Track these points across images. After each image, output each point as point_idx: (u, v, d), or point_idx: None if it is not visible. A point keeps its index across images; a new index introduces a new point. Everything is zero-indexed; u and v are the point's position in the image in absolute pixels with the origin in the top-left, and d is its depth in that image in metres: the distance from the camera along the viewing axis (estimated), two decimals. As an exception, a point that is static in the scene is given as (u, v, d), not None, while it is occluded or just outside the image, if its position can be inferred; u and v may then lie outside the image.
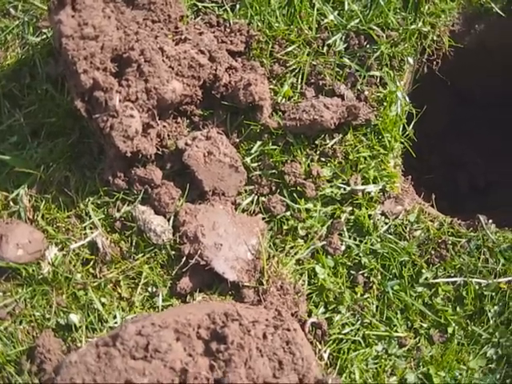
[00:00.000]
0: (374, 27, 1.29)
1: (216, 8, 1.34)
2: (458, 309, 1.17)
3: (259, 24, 1.30)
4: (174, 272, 1.17)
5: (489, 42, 1.39)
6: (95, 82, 1.08)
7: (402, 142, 1.27)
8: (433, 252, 1.20)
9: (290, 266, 1.18)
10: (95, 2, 1.09)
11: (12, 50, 1.37)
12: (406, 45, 1.30)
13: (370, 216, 1.21)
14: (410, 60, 1.31)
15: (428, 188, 1.40)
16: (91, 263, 1.20)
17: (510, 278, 1.17)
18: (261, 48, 1.29)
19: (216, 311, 0.98)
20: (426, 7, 1.32)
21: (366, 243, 1.19)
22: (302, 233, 1.20)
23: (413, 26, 1.30)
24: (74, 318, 1.17)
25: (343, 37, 1.30)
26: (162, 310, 1.16)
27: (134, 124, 1.10)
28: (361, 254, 1.19)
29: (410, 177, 1.32)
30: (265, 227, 1.19)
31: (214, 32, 1.29)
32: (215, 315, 0.97)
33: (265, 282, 1.14)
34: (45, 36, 1.35)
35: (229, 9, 1.33)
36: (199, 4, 1.33)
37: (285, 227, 1.20)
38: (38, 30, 1.36)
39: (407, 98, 1.29)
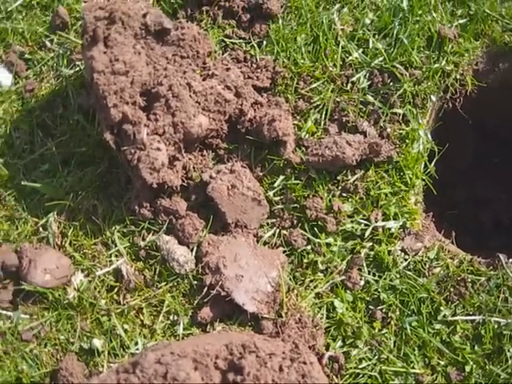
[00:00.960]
0: (398, 65, 1.31)
1: (243, 44, 1.38)
2: (476, 347, 1.16)
3: (285, 60, 1.34)
4: (196, 302, 1.19)
5: (512, 81, 1.40)
6: (124, 116, 1.12)
7: (423, 179, 1.28)
8: (452, 289, 1.20)
9: (309, 300, 1.19)
10: (126, 38, 1.14)
11: (46, 81, 1.42)
12: (429, 83, 1.32)
13: (389, 252, 1.22)
14: (433, 98, 1.33)
15: (451, 224, 1.41)
16: (115, 290, 1.23)
17: (529, 318, 1.17)
18: (286, 84, 1.32)
19: (234, 342, 1.00)
20: (450, 46, 1.34)
21: (385, 279, 1.20)
22: (321, 267, 1.21)
23: (436, 65, 1.32)
24: (97, 342, 1.20)
25: (367, 74, 1.33)
26: (183, 338, 1.18)
27: (161, 157, 1.13)
28: (380, 290, 1.19)
29: (431, 213, 1.32)
30: (285, 260, 1.21)
31: (240, 68, 1.33)
32: (233, 346, 0.99)
33: (284, 315, 1.16)
34: (78, 68, 1.40)
35: (256, 45, 1.37)
36: (227, 40, 1.37)
37: (305, 261, 1.22)
38: (72, 63, 1.41)
39: (429, 136, 1.31)
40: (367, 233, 1.22)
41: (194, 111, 1.16)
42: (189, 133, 1.16)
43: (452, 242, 1.27)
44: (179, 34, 1.22)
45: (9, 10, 1.50)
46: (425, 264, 1.22)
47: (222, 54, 1.37)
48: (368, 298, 1.20)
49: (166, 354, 0.97)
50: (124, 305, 1.22)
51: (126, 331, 1.21)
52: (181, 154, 1.20)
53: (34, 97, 1.41)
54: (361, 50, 1.34)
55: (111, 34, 1.13)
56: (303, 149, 1.27)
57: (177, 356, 0.97)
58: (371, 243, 1.23)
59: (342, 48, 1.34)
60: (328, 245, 1.23)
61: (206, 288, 1.17)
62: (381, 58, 1.32)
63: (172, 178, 1.19)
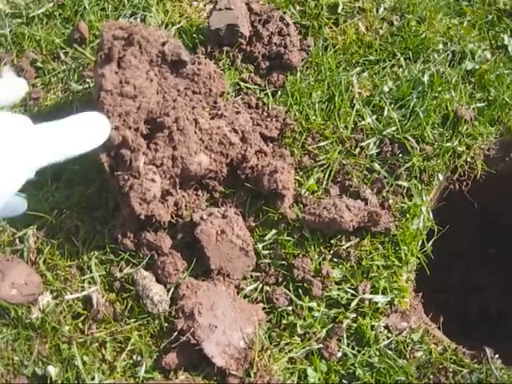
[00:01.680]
0: (410, 138, 1.28)
1: (258, 91, 1.36)
2: None
3: (297, 114, 1.31)
4: (163, 345, 1.13)
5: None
6: (124, 140, 1.08)
7: (418, 257, 1.24)
8: (431, 377, 1.14)
9: (281, 363, 1.13)
10: (141, 63, 1.11)
11: (53, 93, 1.39)
12: (439, 161, 1.29)
13: (372, 327, 1.17)
14: (440, 176, 1.30)
15: (439, 307, 1.36)
16: (82, 318, 1.17)
17: (508, 422, 1.11)
18: (294, 138, 1.29)
19: (193, 398, 0.94)
20: (465, 127, 1.32)
21: (363, 354, 1.14)
22: (300, 331, 1.16)
23: (448, 144, 1.30)
24: (52, 370, 1.13)
25: (377, 142, 1.30)
26: (142, 381, 1.11)
27: (154, 188, 1.09)
28: (356, 365, 1.14)
29: (420, 294, 1.28)
30: (264, 318, 1.15)
31: (251, 113, 1.30)
32: (190, 402, 0.93)
33: (252, 375, 1.10)
34: (87, 85, 1.37)
35: (270, 93, 1.34)
36: (242, 84, 1.35)
37: (284, 322, 1.16)
38: (82, 79, 1.38)
39: (431, 214, 1.27)
40: (353, 303, 1.17)
41: (196, 148, 1.12)
42: (187, 169, 1.12)
43: (439, 328, 1.22)
44: (195, 69, 1.20)
45: (30, 15, 1.48)
46: (407, 345, 1.17)
47: (235, 97, 1.35)
48: (343, 372, 1.14)
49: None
50: (88, 335, 1.16)
51: (84, 363, 1.14)
52: (175, 190, 1.15)
53: (38, 106, 1.37)
54: (375, 116, 1.32)
55: (126, 56, 1.10)
56: (301, 206, 1.23)
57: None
58: (355, 315, 1.18)
59: (357, 111, 1.32)
60: (310, 309, 1.17)
61: (176, 332, 1.11)
62: (393, 128, 1.30)
63: (162, 212, 1.14)
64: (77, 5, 1.48)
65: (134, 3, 1.48)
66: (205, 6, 1.50)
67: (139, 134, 1.10)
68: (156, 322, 1.15)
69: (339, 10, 1.46)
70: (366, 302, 1.18)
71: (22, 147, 0.89)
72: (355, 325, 1.17)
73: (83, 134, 0.99)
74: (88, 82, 1.38)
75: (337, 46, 1.41)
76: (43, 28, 1.48)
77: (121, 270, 1.19)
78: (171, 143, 1.11)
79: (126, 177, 1.09)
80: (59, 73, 1.41)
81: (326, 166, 1.27)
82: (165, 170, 1.11)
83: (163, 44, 1.17)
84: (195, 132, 1.14)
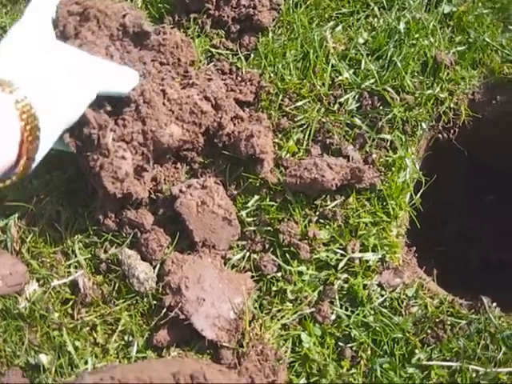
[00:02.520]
0: (389, 89, 1.24)
1: (230, 56, 1.31)
2: (450, 396, 1.08)
3: (271, 75, 1.27)
4: (153, 323, 1.12)
5: (510, 114, 1.32)
6: (85, 119, 1.04)
7: (407, 211, 1.21)
8: (429, 331, 1.12)
9: (273, 331, 1.11)
10: (99, 38, 1.07)
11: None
12: (421, 110, 1.25)
13: (365, 286, 1.14)
14: (424, 126, 1.25)
15: (438, 261, 1.33)
16: (70, 303, 1.15)
17: (511, 369, 1.09)
18: (270, 100, 1.25)
19: (182, 372, 0.92)
20: (446, 73, 1.27)
21: (357, 314, 1.12)
22: (291, 296, 1.13)
23: (429, 91, 1.25)
24: (44, 358, 1.12)
25: (356, 96, 1.25)
26: (135, 361, 1.10)
27: (125, 166, 1.06)
28: (351, 326, 1.11)
29: (413, 248, 1.24)
30: (252, 286, 1.13)
31: (224, 79, 1.26)
32: (180, 376, 0.91)
33: (245, 345, 1.08)
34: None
35: (243, 57, 1.30)
36: (213, 50, 1.31)
37: (274, 288, 1.14)
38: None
39: (417, 165, 1.24)
40: (342, 263, 1.14)
41: (167, 120, 1.09)
42: (159, 142, 1.08)
43: (433, 280, 1.19)
44: (160, 39, 1.15)
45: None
46: (402, 302, 1.14)
47: (207, 64, 1.30)
48: (338, 334, 1.12)
49: (106, 378, 0.89)
50: (77, 320, 1.14)
51: (76, 349, 1.13)
52: (149, 165, 1.12)
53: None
54: (352, 70, 1.27)
55: (82, 32, 1.06)
56: (282, 169, 1.19)
57: (117, 381, 0.89)
58: (346, 275, 1.15)
59: (333, 67, 1.27)
60: (300, 273, 1.15)
61: (164, 309, 1.09)
62: (372, 80, 1.25)
63: (138, 189, 1.11)
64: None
65: (97, -22, 1.43)
66: (170, -26, 1.45)
67: (103, 111, 1.05)
68: (144, 300, 1.13)
69: (308, -36, 1.40)
70: (357, 261, 1.15)
71: (86, 70, 0.98)
72: (347, 285, 1.14)
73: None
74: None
75: (308, 2, 1.35)
76: (7, 14, 1.45)
77: (105, 252, 1.17)
78: (139, 117, 1.07)
79: (95, 156, 1.05)
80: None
81: (305, 126, 1.23)
82: (135, 145, 1.08)
83: (124, 16, 1.12)
84: (164, 103, 1.10)
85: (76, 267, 1.18)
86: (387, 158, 1.21)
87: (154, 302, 1.12)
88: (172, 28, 1.20)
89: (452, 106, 1.27)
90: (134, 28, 1.12)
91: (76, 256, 1.17)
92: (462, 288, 1.27)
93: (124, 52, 1.12)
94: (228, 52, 1.32)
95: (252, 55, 1.31)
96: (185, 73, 1.20)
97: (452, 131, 1.31)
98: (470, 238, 1.66)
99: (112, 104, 1.07)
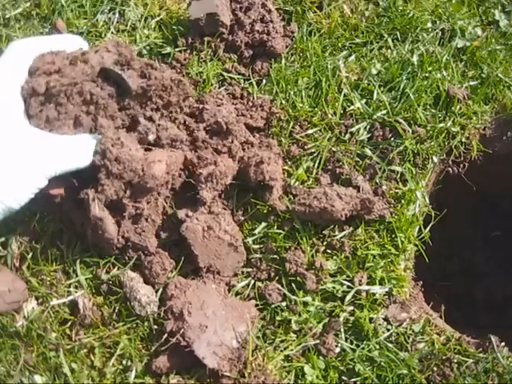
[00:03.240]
0: (401, 120, 1.23)
1: (242, 80, 1.31)
2: None
3: (283, 102, 1.26)
4: (153, 348, 1.09)
5: (521, 151, 1.32)
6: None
7: (415, 245, 1.19)
8: (435, 369, 1.09)
9: (276, 362, 1.08)
10: (64, 113, 1.05)
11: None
12: (433, 143, 1.24)
13: (371, 319, 1.12)
14: (435, 159, 1.25)
15: (443, 296, 1.32)
16: (68, 324, 1.12)
17: (518, 412, 1.06)
18: (281, 127, 1.25)
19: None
20: (458, 107, 1.27)
21: (363, 348, 1.09)
22: (295, 327, 1.11)
23: (441, 125, 1.25)
24: (39, 379, 1.09)
25: (368, 126, 1.25)
26: (134, 387, 1.07)
27: (112, 228, 1.09)
28: (356, 360, 1.09)
29: (420, 282, 1.22)
30: (256, 315, 1.11)
31: (235, 104, 1.26)
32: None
33: (246, 375, 1.05)
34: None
35: (255, 83, 1.30)
36: (225, 74, 1.30)
37: (278, 318, 1.11)
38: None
39: (427, 199, 1.22)
40: (349, 296, 1.12)
41: (142, 165, 1.06)
42: (145, 186, 1.08)
43: (440, 317, 1.17)
44: (144, 85, 1.09)
45: (7, 16, 1.44)
46: (408, 337, 1.12)
47: (219, 88, 1.30)
48: (342, 368, 1.09)
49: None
50: (75, 341, 1.11)
51: (72, 371, 1.09)
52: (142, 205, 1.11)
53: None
54: (364, 100, 1.27)
55: (44, 112, 1.03)
56: (290, 197, 1.18)
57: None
58: (352, 307, 1.13)
59: (345, 96, 1.27)
60: (305, 304, 1.12)
61: (165, 334, 1.07)
62: (384, 111, 1.25)
63: (134, 237, 1.12)
64: (54, 3, 1.43)
65: (112, -2, 1.43)
66: (184, -3, 1.46)
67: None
68: (145, 324, 1.11)
69: (323, -7, 1.41)
70: (363, 294, 1.13)
71: (37, 154, 0.97)
72: (353, 318, 1.12)
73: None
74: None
75: (322, 31, 1.36)
76: (21, 28, 1.44)
77: (107, 272, 1.14)
78: (115, 175, 1.05)
79: (86, 222, 1.09)
80: (38, 73, 1.37)
81: (315, 154, 1.22)
82: (124, 199, 1.08)
83: (98, 74, 1.08)
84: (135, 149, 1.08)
85: (76, 287, 1.15)
86: (397, 190, 1.20)
87: (155, 326, 1.10)
88: (164, 65, 1.22)
89: (463, 140, 1.27)
90: (113, 80, 1.09)
91: (77, 275, 1.15)
92: (466, 324, 1.25)
93: (99, 112, 1.07)
94: (240, 77, 1.31)
95: (264, 81, 1.30)
96: (175, 112, 1.16)
97: (462, 165, 1.30)
98: (475, 274, 1.64)
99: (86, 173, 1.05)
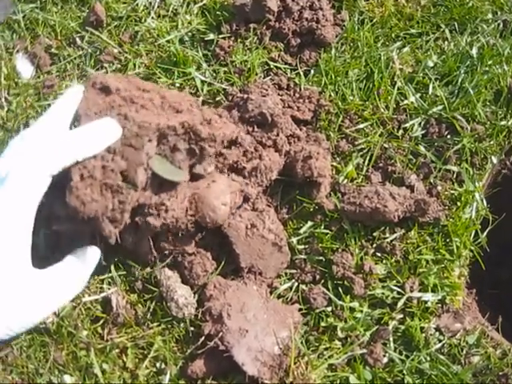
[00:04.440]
0: (459, 117, 1.15)
1: (289, 70, 1.24)
2: None
3: (332, 94, 1.19)
4: (189, 351, 1.03)
5: None
6: None
7: (471, 250, 1.11)
8: (490, 385, 1.01)
9: (320, 371, 1.01)
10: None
11: (69, 79, 1.29)
12: (492, 142, 1.16)
13: (422, 329, 1.04)
14: (494, 159, 1.16)
15: (492, 305, 1.23)
16: (101, 322, 1.07)
17: None
18: (329, 120, 1.17)
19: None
20: (521, 104, 1.18)
21: (412, 360, 1.02)
22: (341, 334, 1.03)
23: (502, 123, 1.16)
24: (68, 379, 1.03)
25: (422, 122, 1.17)
26: (168, 391, 1.01)
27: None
28: (405, 372, 1.01)
29: (474, 291, 1.14)
30: (300, 320, 1.04)
31: (281, 95, 1.19)
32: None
33: (288, 384, 0.98)
34: (104, 70, 1.27)
35: (302, 73, 1.22)
36: (271, 63, 1.24)
37: (323, 324, 1.04)
38: (99, 64, 1.29)
39: (485, 202, 1.14)
40: (399, 303, 1.05)
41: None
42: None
43: (497, 329, 1.09)
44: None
45: (44, 0, 1.39)
46: (462, 349, 1.04)
47: (264, 78, 1.23)
48: (389, 380, 1.02)
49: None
50: (107, 341, 1.05)
51: (104, 372, 1.04)
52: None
53: (53, 94, 1.28)
54: (418, 94, 1.19)
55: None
56: (339, 195, 1.10)
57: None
58: (402, 315, 1.05)
59: (398, 90, 1.19)
60: (352, 310, 1.05)
61: (203, 337, 1.00)
62: (440, 107, 1.16)
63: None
64: (93, -14, 1.38)
65: (153, -18, 1.37)
66: (229, -18, 1.39)
67: None
68: (181, 325, 1.04)
69: (376, -19, 1.33)
70: (415, 301, 1.05)
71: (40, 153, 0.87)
72: (403, 327, 1.04)
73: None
74: (105, 67, 1.28)
75: (374, 20, 1.28)
76: (58, 12, 1.39)
77: (142, 269, 1.08)
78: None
79: None
80: (75, 58, 1.32)
81: (365, 151, 1.15)
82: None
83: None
84: None
85: (109, 283, 1.09)
86: (453, 192, 1.12)
87: (192, 328, 1.03)
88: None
89: (525, 139, 1.18)
90: None
91: (110, 271, 1.09)
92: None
93: None
94: (287, 66, 1.24)
95: (312, 71, 1.23)
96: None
97: (522, 167, 1.21)
98: (526, 283, 1.55)
99: None
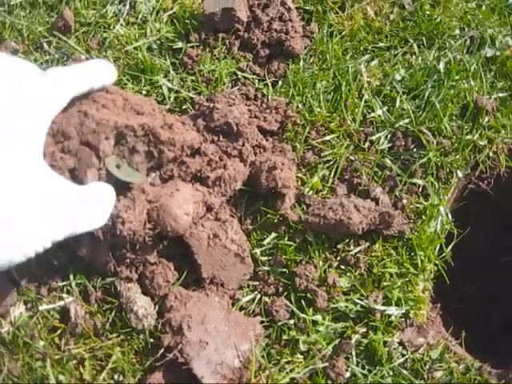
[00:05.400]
0: (425, 131, 1.15)
1: (256, 81, 1.23)
2: None
3: (299, 105, 1.18)
4: (148, 363, 1.00)
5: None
6: None
7: (436, 264, 1.11)
8: (453, 400, 1.01)
9: (281, 385, 1.00)
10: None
11: (34, 84, 1.27)
12: (458, 156, 1.16)
13: (385, 343, 1.03)
14: (460, 173, 1.17)
15: (456, 319, 1.23)
16: (58, 332, 1.04)
17: None
18: (296, 131, 1.16)
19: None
20: (486, 119, 1.19)
21: (375, 374, 1.01)
22: (303, 348, 1.02)
23: (468, 137, 1.17)
24: (23, 392, 1.01)
25: (389, 135, 1.17)
26: (125, 405, 0.99)
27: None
28: (367, 387, 1.00)
29: (438, 305, 1.14)
30: (261, 333, 1.02)
31: (249, 105, 1.18)
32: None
33: (248, 398, 0.97)
34: (70, 76, 1.25)
35: (270, 84, 1.22)
36: (239, 73, 1.23)
37: (284, 337, 1.03)
38: (65, 69, 1.27)
39: (450, 215, 1.14)
40: (363, 316, 1.04)
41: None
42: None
43: (460, 344, 1.09)
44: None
45: (12, 3, 1.37)
46: (425, 364, 1.03)
47: (231, 88, 1.22)
48: (351, 394, 1.01)
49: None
50: (64, 351, 1.02)
51: (60, 383, 1.01)
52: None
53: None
54: (386, 107, 1.19)
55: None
56: (303, 206, 1.10)
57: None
58: (365, 329, 1.04)
59: (365, 102, 1.19)
60: (314, 323, 1.04)
61: (162, 349, 0.98)
62: (407, 120, 1.17)
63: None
64: (62, -9, 1.36)
65: (123, -11, 1.36)
66: (200, -9, 1.38)
67: None
68: (141, 337, 1.02)
69: (346, -6, 1.33)
70: (378, 315, 1.04)
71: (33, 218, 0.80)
72: (366, 340, 1.03)
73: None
74: (71, 73, 1.26)
75: (343, 33, 1.28)
76: (25, 16, 1.37)
77: (102, 279, 1.06)
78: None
79: None
80: (42, 63, 1.29)
81: (331, 163, 1.14)
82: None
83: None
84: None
85: (68, 292, 1.07)
86: (418, 205, 1.12)
87: (151, 340, 1.01)
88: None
89: (491, 154, 1.19)
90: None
91: (69, 279, 1.06)
92: (483, 352, 1.16)
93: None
94: (254, 77, 1.23)
95: (280, 82, 1.22)
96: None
97: (487, 181, 1.22)
98: (492, 298, 1.55)
99: None
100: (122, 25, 1.32)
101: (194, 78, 1.22)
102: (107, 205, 0.94)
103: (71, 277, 1.05)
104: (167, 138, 0.98)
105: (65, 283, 1.06)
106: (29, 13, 1.38)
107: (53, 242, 0.83)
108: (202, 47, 1.26)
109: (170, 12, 1.32)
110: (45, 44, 1.31)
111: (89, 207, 0.89)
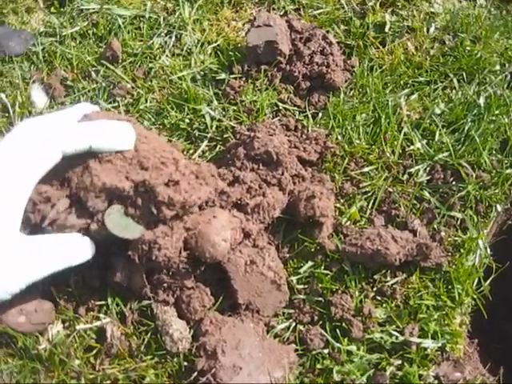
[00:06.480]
0: (465, 164, 1.15)
1: (297, 112, 1.25)
2: None
3: (339, 137, 1.20)
4: (181, 387, 1.01)
5: None
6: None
7: (473, 299, 1.09)
8: None
9: (314, 414, 0.99)
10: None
11: (81, 111, 1.32)
12: (497, 190, 1.16)
13: (420, 376, 1.02)
14: (499, 208, 1.16)
15: (494, 357, 1.20)
16: (94, 352, 1.05)
17: None
18: (335, 162, 1.18)
19: None
20: (526, 154, 1.19)
21: (410, 408, 0.99)
22: (336, 378, 1.01)
23: (508, 171, 1.16)
24: (58, 409, 1.02)
25: (428, 168, 1.17)
26: (157, 428, 0.99)
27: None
28: (401, 420, 0.98)
29: (476, 340, 1.12)
30: (295, 361, 1.02)
31: (289, 136, 1.20)
32: None
33: (280, 427, 0.96)
34: (116, 104, 1.29)
35: (310, 115, 1.24)
36: (280, 104, 1.25)
37: (318, 366, 1.02)
38: (112, 97, 1.31)
39: (489, 250, 1.13)
40: (398, 348, 1.03)
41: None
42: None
43: (498, 381, 1.06)
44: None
45: (63, 34, 1.43)
46: (461, 400, 1.01)
47: (272, 119, 1.24)
48: (385, 428, 0.99)
49: None
50: (99, 371, 1.04)
51: (93, 403, 1.02)
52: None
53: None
54: (425, 140, 1.20)
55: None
56: (341, 236, 1.10)
57: None
58: (401, 361, 1.03)
59: (405, 135, 1.20)
60: (349, 353, 1.03)
61: (195, 373, 0.99)
62: (446, 153, 1.17)
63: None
64: (111, 23, 1.42)
65: (169, 22, 1.41)
66: (243, 25, 1.43)
67: None
68: (175, 360, 1.03)
69: (386, 30, 1.36)
70: (414, 347, 1.03)
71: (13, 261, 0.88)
72: (400, 373, 1.02)
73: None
74: (118, 101, 1.30)
75: (383, 67, 1.30)
76: (75, 47, 1.42)
77: (139, 301, 1.07)
78: None
79: None
80: (89, 91, 1.34)
81: (370, 194, 1.15)
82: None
83: None
84: None
85: (105, 313, 1.08)
86: (456, 238, 1.11)
87: (185, 363, 1.02)
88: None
89: (531, 189, 1.18)
90: None
91: (106, 300, 1.08)
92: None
93: None
94: (295, 108, 1.26)
95: (320, 114, 1.24)
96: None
97: (526, 218, 1.21)
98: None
99: None
100: (167, 56, 1.36)
101: (235, 108, 1.25)
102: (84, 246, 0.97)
103: (109, 299, 1.07)
104: (166, 198, 0.96)
105: (102, 302, 1.08)
106: (79, 43, 1.44)
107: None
108: (244, 78, 1.29)
109: (215, 44, 1.36)
110: (93, 73, 1.36)
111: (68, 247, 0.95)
